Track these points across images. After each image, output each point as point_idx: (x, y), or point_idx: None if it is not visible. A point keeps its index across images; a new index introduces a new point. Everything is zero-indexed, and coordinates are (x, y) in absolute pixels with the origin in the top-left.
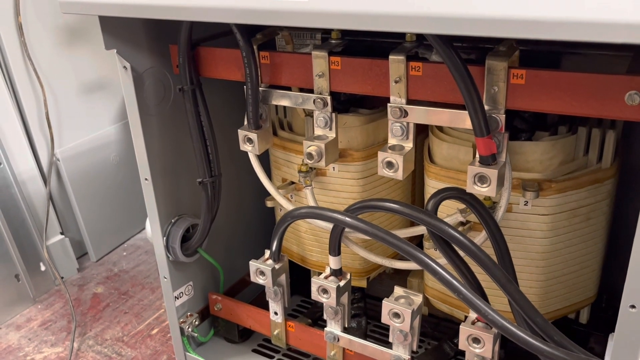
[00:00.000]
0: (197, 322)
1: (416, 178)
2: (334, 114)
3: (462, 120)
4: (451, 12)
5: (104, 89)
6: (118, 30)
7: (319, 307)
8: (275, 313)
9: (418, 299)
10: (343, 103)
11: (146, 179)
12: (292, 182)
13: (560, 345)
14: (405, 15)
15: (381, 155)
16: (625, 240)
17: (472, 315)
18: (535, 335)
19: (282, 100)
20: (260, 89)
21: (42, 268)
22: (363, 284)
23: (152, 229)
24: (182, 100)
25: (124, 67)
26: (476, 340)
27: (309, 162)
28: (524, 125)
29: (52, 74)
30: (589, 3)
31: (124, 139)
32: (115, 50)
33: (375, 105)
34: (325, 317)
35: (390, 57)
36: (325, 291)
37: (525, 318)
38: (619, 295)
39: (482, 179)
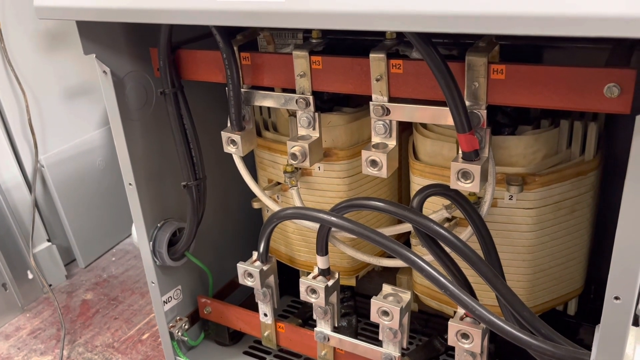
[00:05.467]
0: (186, 326)
1: (402, 175)
2: (317, 114)
3: (445, 117)
4: (428, 10)
5: (88, 93)
6: (96, 35)
7: (309, 307)
8: (265, 314)
9: (406, 297)
10: (327, 102)
11: (130, 184)
12: (278, 183)
13: (547, 339)
14: (382, 14)
15: (365, 154)
16: (612, 231)
17: (461, 311)
18: (523, 329)
19: (264, 101)
20: (242, 90)
21: (30, 276)
22: (352, 282)
23: (138, 234)
24: (164, 103)
25: (104, 71)
26: (465, 336)
27: (293, 162)
28: (507, 119)
29: (34, 80)
30: None
31: (109, 143)
32: (94, 55)
33: (359, 103)
34: (315, 317)
35: (371, 55)
36: (313, 291)
37: (512, 312)
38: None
39: (465, 175)
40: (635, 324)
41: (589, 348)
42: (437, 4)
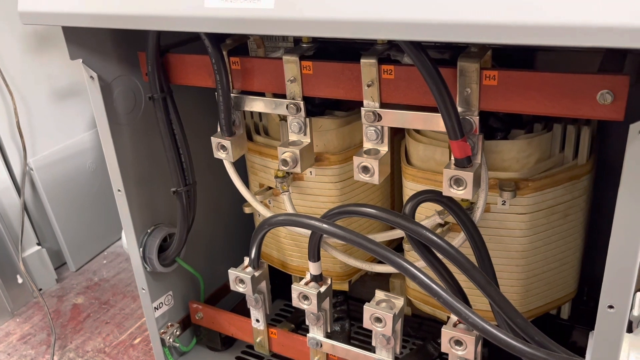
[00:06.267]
0: (178, 332)
1: (394, 179)
2: (307, 119)
3: (437, 123)
4: (420, 18)
5: (77, 95)
6: (83, 40)
7: (302, 311)
8: (257, 320)
9: (399, 303)
10: (318, 106)
11: (119, 190)
12: (270, 188)
13: (541, 346)
14: (373, 22)
15: (357, 160)
16: (605, 233)
17: (454, 317)
18: (517, 336)
19: (254, 106)
20: (232, 95)
21: (19, 280)
22: (345, 287)
23: (127, 241)
24: (153, 108)
25: (91, 77)
26: (458, 343)
27: (285, 168)
28: (499, 124)
29: (22, 82)
30: (554, 6)
31: (100, 145)
32: (80, 60)
33: (351, 106)
34: (307, 323)
35: (362, 60)
36: (306, 298)
37: (506, 319)
38: (600, 288)
39: (458, 182)
40: (629, 330)
41: (583, 350)
42: (428, 12)
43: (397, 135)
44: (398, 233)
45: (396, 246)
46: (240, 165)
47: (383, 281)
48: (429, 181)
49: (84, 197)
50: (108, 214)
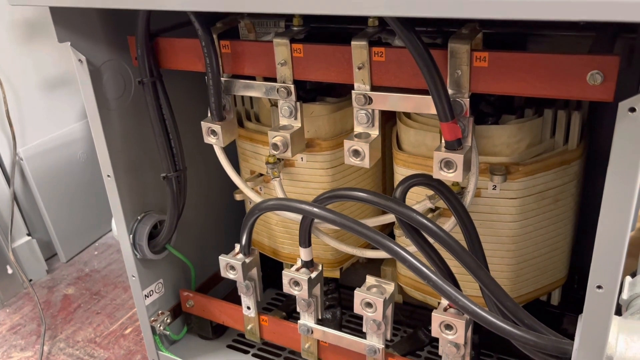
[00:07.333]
0: (169, 320)
1: (386, 166)
2: (298, 103)
3: (427, 105)
4: None
5: (68, 84)
6: (71, 22)
7: (293, 299)
8: (248, 308)
9: (390, 288)
10: (309, 92)
11: (109, 176)
12: (261, 174)
13: (531, 329)
14: None
15: (347, 144)
16: (595, 220)
17: (444, 302)
18: (507, 319)
19: (245, 90)
20: (222, 79)
21: (9, 271)
22: (336, 274)
23: (117, 227)
24: (143, 93)
25: (79, 60)
26: (448, 327)
27: (275, 153)
28: (490, 109)
29: (12, 71)
30: None
31: (91, 136)
32: (69, 43)
33: (342, 93)
34: (298, 309)
35: (353, 42)
36: (296, 283)
37: (496, 303)
38: None
39: (448, 165)
40: (617, 313)
41: (572, 337)
42: None
43: (389, 123)
44: (389, 218)
45: (387, 233)
46: (231, 153)
47: (374, 269)
48: (420, 166)
49: (74, 187)
50: (99, 204)
